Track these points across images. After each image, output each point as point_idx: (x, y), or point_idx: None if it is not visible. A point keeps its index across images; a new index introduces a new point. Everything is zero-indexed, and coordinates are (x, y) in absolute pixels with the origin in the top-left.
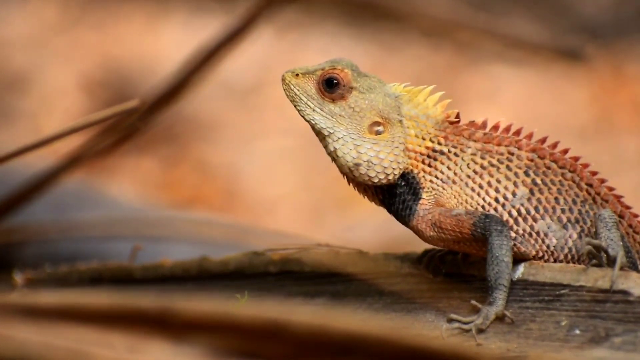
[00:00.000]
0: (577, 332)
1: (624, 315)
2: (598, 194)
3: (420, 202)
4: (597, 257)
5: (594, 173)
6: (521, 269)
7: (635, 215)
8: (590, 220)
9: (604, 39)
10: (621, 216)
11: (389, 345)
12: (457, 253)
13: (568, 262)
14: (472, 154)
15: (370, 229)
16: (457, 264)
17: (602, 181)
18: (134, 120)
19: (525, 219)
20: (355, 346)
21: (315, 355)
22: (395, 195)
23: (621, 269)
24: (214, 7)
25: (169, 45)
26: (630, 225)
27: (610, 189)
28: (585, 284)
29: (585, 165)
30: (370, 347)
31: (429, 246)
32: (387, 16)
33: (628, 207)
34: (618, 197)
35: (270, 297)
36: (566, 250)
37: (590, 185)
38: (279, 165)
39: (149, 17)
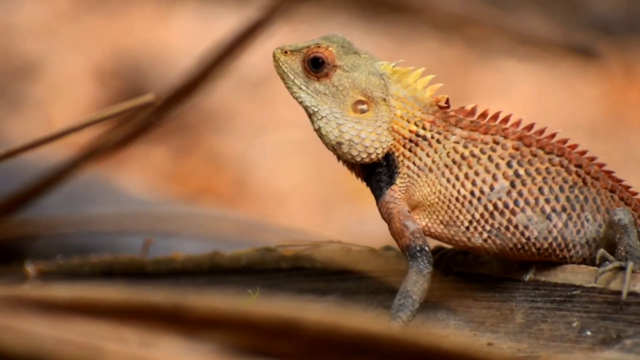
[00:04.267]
0: (588, 333)
1: (636, 317)
2: (588, 173)
3: (392, 187)
4: (610, 260)
5: (583, 152)
6: (533, 269)
7: (627, 188)
8: (580, 205)
9: (616, 35)
10: (612, 190)
11: (400, 344)
12: (468, 253)
13: (553, 249)
14: (455, 142)
15: (379, 223)
16: (468, 264)
17: (592, 159)
18: (149, 115)
19: (502, 213)
20: (367, 345)
21: (327, 353)
22: (374, 173)
23: (632, 271)
24: None
25: (179, 34)
26: (622, 198)
27: (600, 165)
28: (597, 285)
29: (574, 147)
30: (381, 346)
31: (439, 244)
32: (398, 9)
33: (619, 181)
34: (609, 173)
35: (281, 293)
36: (550, 240)
37: (580, 166)
38: (290, 157)
39: (159, 6)
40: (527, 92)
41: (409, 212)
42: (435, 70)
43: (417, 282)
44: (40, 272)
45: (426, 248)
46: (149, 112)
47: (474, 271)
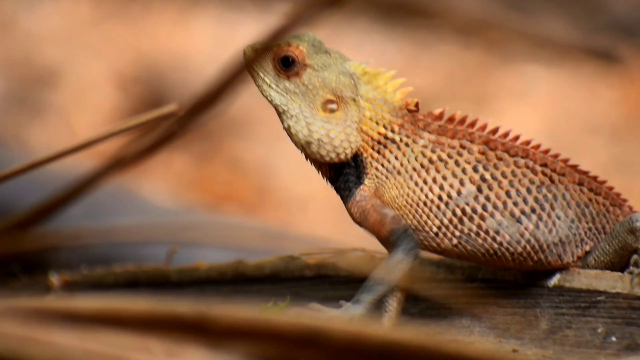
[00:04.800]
0: (613, 339)
1: None
2: (554, 170)
3: (361, 187)
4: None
5: (546, 151)
6: (557, 275)
7: (594, 178)
8: (550, 204)
9: (637, 37)
10: (580, 183)
11: (425, 351)
12: None
13: (528, 252)
14: (423, 146)
15: None
16: (493, 270)
17: (556, 156)
18: (172, 124)
19: (471, 219)
20: (392, 352)
21: None
22: (341, 174)
23: None
24: (246, 3)
25: (200, 40)
26: (590, 189)
27: (565, 161)
28: (621, 290)
29: (537, 147)
30: (407, 353)
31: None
32: (419, 13)
33: (586, 173)
34: (574, 167)
35: (305, 301)
36: (523, 243)
37: (545, 165)
38: None
39: (181, 12)
40: (548, 95)
41: (382, 203)
42: (456, 73)
43: (398, 264)
44: (64, 282)
45: (409, 229)
46: (171, 121)
47: (498, 278)
